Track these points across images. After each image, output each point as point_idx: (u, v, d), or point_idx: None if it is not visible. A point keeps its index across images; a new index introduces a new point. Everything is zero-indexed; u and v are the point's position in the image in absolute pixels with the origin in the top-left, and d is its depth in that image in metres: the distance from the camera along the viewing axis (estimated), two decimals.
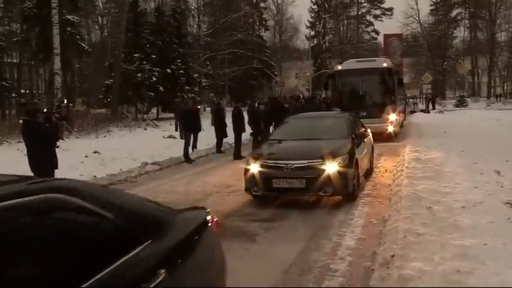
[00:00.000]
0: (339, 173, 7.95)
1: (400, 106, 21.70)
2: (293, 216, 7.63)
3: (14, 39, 39.94)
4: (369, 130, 11.53)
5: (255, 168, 8.24)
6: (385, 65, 19.00)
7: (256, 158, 8.50)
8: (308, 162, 8.00)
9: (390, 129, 17.68)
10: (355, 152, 8.69)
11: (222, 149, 16.79)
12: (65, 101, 20.17)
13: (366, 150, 10.13)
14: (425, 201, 7.37)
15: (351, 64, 20.83)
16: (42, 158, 7.92)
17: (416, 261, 4.78)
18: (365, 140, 10.44)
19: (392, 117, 17.89)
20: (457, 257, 4.79)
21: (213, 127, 17.51)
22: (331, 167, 7.91)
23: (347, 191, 8.18)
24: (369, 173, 10.66)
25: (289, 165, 7.96)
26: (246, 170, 8.45)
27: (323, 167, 7.93)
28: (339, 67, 19.96)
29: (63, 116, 10.04)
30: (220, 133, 16.48)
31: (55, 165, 8.17)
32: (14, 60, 45.58)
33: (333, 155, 8.07)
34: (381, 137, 16.58)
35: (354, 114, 11.52)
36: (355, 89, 19.12)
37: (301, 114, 12.28)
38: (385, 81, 18.36)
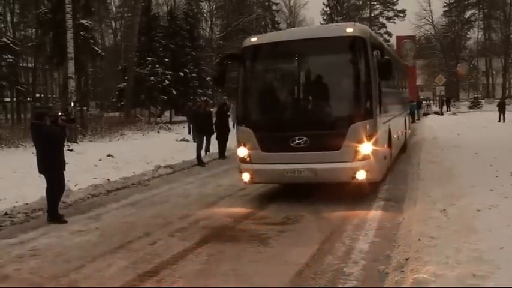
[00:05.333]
0: None
1: (391, 116, 11.21)
2: (306, 220, 7.59)
3: (29, 44, 40.40)
4: None
5: None
6: (349, 30, 8.51)
7: None
8: None
9: (360, 175, 8.18)
10: None
11: (227, 154, 15.96)
12: (72, 104, 20.26)
13: None
14: (440, 204, 7.31)
15: (278, 34, 11.79)
16: (50, 160, 8.02)
17: (430, 264, 4.74)
18: None
19: (366, 147, 8.17)
20: (472, 260, 4.73)
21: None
22: None
23: None
24: None
25: None
26: None
27: None
28: (253, 39, 9.31)
29: (71, 118, 10.09)
30: (223, 137, 15.91)
31: (62, 167, 8.25)
32: (29, 65, 46.06)
33: None
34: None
35: None
36: (285, 86, 9.42)
37: None
38: (352, 67, 8.54)
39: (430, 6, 67.41)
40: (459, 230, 5.83)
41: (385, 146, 9.75)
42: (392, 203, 8.41)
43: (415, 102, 34.11)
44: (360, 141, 8.13)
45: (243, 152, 8.84)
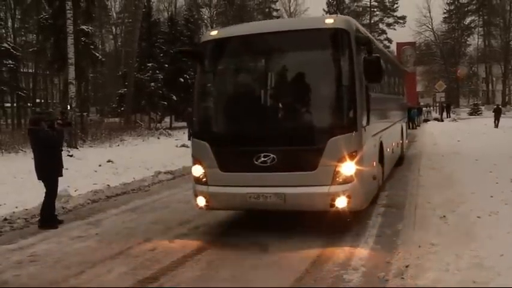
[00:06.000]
0: None
1: (383, 126, 9.57)
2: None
3: (30, 50, 40.53)
4: None
5: None
6: (330, 22, 6.96)
7: None
8: None
9: (340, 203, 6.53)
10: None
11: None
12: (69, 107, 20.33)
13: None
14: (440, 211, 7.31)
15: (244, 27, 9.00)
16: (47, 166, 8.02)
17: (431, 271, 4.74)
18: None
19: (349, 167, 6.55)
20: (472, 267, 4.73)
21: None
22: None
23: None
24: None
25: None
26: None
27: None
28: (213, 33, 7.79)
29: (68, 122, 10.09)
30: None
31: (59, 173, 8.23)
32: (30, 70, 46.21)
33: None
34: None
35: None
36: (249, 90, 7.72)
37: None
38: (333, 66, 6.89)
39: (430, 12, 67.69)
40: (459, 237, 5.84)
41: (374, 163, 8.06)
42: (393, 209, 8.37)
43: (415, 109, 34.29)
44: (341, 160, 6.48)
45: (198, 171, 7.23)
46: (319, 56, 7.08)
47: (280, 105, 7.41)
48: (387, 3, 73.55)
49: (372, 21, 73.81)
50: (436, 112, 50.11)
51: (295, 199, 6.62)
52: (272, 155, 6.61)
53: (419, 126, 34.94)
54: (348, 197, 6.49)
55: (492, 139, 19.99)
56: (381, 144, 8.86)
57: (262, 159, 6.63)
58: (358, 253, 5.99)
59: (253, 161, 6.66)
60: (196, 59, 7.64)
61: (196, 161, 7.29)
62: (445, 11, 69.62)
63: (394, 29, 72.93)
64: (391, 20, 73.83)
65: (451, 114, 45.46)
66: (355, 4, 73.60)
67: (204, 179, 7.13)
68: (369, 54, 6.77)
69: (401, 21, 72.70)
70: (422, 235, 6.17)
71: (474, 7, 68.57)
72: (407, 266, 5.09)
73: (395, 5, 73.07)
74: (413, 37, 63.51)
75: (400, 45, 56.77)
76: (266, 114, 7.28)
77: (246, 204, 6.93)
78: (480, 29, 69.64)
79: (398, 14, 73.10)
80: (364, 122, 6.92)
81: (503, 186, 8.82)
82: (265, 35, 7.38)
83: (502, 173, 10.17)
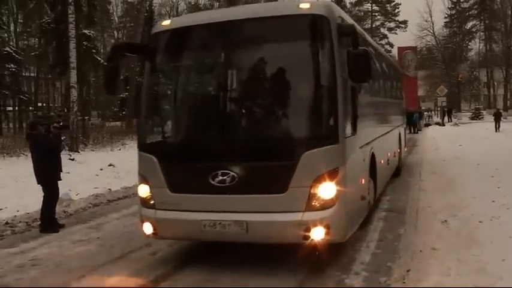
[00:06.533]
0: None
1: (376, 134, 8.15)
2: None
3: (32, 54, 40.66)
4: None
5: None
6: (305, 7, 5.38)
7: None
8: None
9: (317, 234, 5.09)
10: None
11: None
12: (66, 110, 20.39)
13: None
14: (441, 215, 7.30)
15: (202, 15, 8.12)
16: (46, 170, 8.02)
17: (432, 276, 4.73)
18: None
19: (328, 189, 5.12)
20: (474, 272, 4.73)
21: None
22: None
23: None
24: None
25: None
26: None
27: None
28: (165, 23, 6.30)
29: (65, 125, 10.05)
30: None
31: (57, 177, 8.22)
32: (32, 74, 46.34)
33: None
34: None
35: None
36: (206, 92, 6.48)
37: None
38: (308, 62, 5.44)
39: (431, 17, 67.80)
40: (461, 242, 5.83)
41: (363, 180, 6.66)
42: (394, 213, 8.35)
43: (417, 114, 34.43)
44: (318, 180, 5.12)
45: (144, 191, 5.90)
46: (293, 49, 5.64)
47: (244, 111, 5.93)
48: (388, 8, 73.80)
49: (374, 26, 74.03)
50: (437, 116, 50.14)
51: (260, 229, 5.31)
52: (232, 173, 5.29)
53: (420, 130, 34.99)
54: (326, 226, 5.12)
55: (494, 143, 19.99)
56: (373, 156, 7.45)
57: (220, 177, 5.31)
58: (360, 257, 5.97)
59: (209, 180, 5.35)
60: (145, 55, 6.26)
61: (142, 179, 5.96)
62: (446, 15, 69.97)
63: (396, 34, 73.29)
64: (392, 25, 74.21)
65: (453, 119, 45.52)
66: (357, 8, 73.80)
67: (152, 202, 5.82)
68: (354, 47, 5.31)
69: (402, 25, 73.10)
70: (424, 240, 6.16)
71: (475, 12, 68.80)
72: (408, 271, 5.08)
73: (397, 10, 73.42)
74: (414, 42, 63.70)
75: (401, 49, 56.86)
76: (226, 122, 5.82)
77: (200, 233, 5.52)
78: (481, 33, 69.85)
79: (399, 18, 73.58)
80: (349, 131, 5.62)
81: (504, 190, 8.80)
82: (227, 24, 5.87)
83: (503, 178, 10.16)
